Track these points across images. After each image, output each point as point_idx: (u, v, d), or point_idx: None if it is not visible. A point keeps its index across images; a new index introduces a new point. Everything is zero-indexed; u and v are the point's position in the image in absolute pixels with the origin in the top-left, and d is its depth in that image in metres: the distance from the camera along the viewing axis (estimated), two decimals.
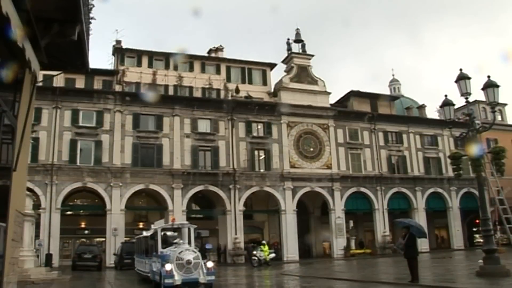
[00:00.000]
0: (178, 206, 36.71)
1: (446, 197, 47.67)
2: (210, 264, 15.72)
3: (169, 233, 18.43)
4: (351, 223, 44.30)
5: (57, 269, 27.68)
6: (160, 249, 16.87)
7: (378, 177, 44.86)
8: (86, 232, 41.09)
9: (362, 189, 44.11)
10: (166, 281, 14.69)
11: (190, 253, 15.28)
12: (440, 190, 47.44)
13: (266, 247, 33.97)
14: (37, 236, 29.81)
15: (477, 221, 41.45)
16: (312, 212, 47.29)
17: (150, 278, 18.07)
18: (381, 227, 44.16)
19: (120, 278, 24.57)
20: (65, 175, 35.25)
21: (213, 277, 15.51)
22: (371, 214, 44.89)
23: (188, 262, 14.92)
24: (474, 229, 50.94)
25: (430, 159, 48.51)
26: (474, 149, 16.07)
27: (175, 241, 16.55)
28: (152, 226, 20.60)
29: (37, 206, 31.71)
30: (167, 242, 17.39)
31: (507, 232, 16.15)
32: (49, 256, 31.94)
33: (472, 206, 44.72)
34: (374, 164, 45.31)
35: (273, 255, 34.41)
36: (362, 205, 44.87)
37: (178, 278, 14.77)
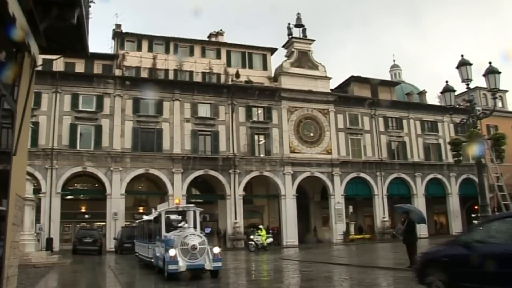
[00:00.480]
0: (178, 190, 36.78)
1: (446, 183, 47.77)
2: (216, 249, 14.97)
3: (173, 217, 17.57)
4: (351, 209, 44.47)
5: (57, 253, 27.90)
6: (163, 233, 16.15)
7: (378, 163, 44.92)
8: (86, 216, 41.24)
9: (362, 175, 44.21)
10: (170, 267, 13.93)
11: (195, 238, 14.58)
12: (439, 176, 47.53)
13: (264, 232, 34.04)
14: (37, 220, 29.96)
15: (476, 207, 41.54)
16: (312, 197, 47.44)
17: (153, 264, 17.14)
18: (381, 212, 44.31)
19: (120, 262, 24.71)
20: (65, 160, 35.31)
21: (219, 264, 14.77)
22: (370, 199, 45.03)
23: (193, 247, 14.22)
24: (473, 215, 51.06)
25: (430, 145, 48.52)
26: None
27: (180, 225, 15.80)
28: (154, 210, 20.08)
29: (37, 190, 31.83)
30: (171, 226, 16.67)
31: None
32: (49, 240, 32.11)
33: (471, 193, 44.83)
34: (374, 150, 45.35)
35: (270, 239, 34.49)
36: (362, 191, 45.01)
37: (182, 264, 14.04)
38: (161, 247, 15.80)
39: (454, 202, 47.84)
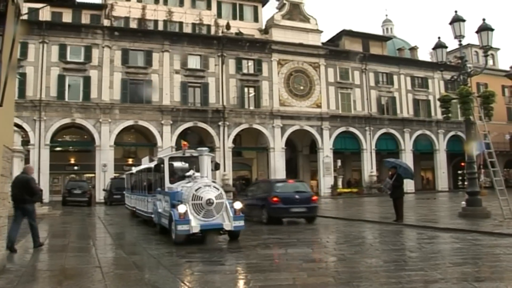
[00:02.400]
0: (167, 142, 36.74)
1: (434, 139, 48.19)
2: (238, 205, 12.03)
3: (178, 164, 14.54)
4: (339, 162, 44.80)
5: (47, 204, 27.99)
6: (167, 184, 13.77)
7: (367, 118, 45.08)
8: (75, 168, 41.32)
9: (351, 129, 44.41)
10: (180, 228, 11.12)
11: (211, 190, 11.55)
12: (428, 132, 47.89)
13: None
14: None
15: (463, 164, 42.09)
16: (301, 150, 47.75)
17: (155, 222, 14.63)
18: (369, 167, 44.78)
19: (109, 213, 24.90)
20: (54, 111, 35.03)
21: (241, 223, 11.86)
22: (359, 154, 45.44)
23: (209, 202, 11.28)
24: (459, 172, 51.76)
25: (420, 101, 48.64)
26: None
27: (188, 174, 12.79)
28: (151, 159, 18.36)
29: (26, 142, 31.63)
30: (175, 176, 14.12)
31: (490, 176, 16.42)
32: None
33: (458, 149, 45.31)
34: (364, 105, 45.41)
35: None
36: (351, 145, 45.32)
37: (195, 224, 11.20)
38: (164, 202, 13.53)
39: (441, 158, 48.42)
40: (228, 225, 11.57)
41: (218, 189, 11.77)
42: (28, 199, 10.45)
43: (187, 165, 14.27)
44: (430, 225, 14.57)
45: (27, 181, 10.43)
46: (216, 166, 15.81)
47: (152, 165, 16.61)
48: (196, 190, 11.47)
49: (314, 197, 17.46)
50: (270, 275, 7.66)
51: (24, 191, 10.31)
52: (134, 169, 21.90)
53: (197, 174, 12.37)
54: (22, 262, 8.97)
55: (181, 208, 11.21)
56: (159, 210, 13.74)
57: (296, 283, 6.87)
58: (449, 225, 14.35)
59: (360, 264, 8.58)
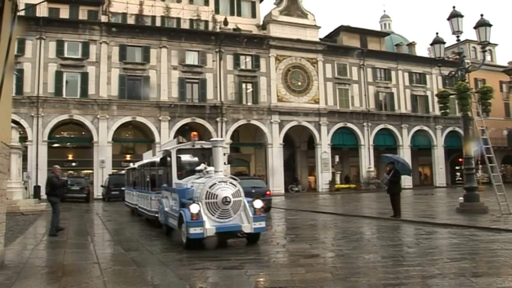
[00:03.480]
0: (165, 138, 36.64)
1: (432, 135, 48.21)
2: (258, 203, 10.42)
3: (186, 158, 13.08)
4: (337, 158, 44.83)
5: (45, 200, 27.85)
6: (175, 180, 12.09)
7: (365, 113, 45.07)
8: (73, 164, 41.21)
9: (349, 125, 44.40)
10: (193, 231, 9.62)
11: (227, 187, 10.12)
12: (426, 128, 47.92)
13: None
14: (24, 168, 29.88)
15: (461, 159, 42.17)
16: (299, 146, 47.75)
17: (160, 221, 13.22)
18: (366, 163, 44.80)
19: (107, 209, 24.88)
20: (51, 108, 34.97)
21: (263, 224, 10.33)
22: (357, 149, 45.47)
23: (226, 200, 9.85)
24: (457, 168, 51.83)
25: (418, 97, 48.66)
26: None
27: (199, 168, 11.38)
28: (162, 148, 16.58)
29: (23, 138, 31.57)
30: (183, 170, 12.73)
31: (488, 171, 16.45)
32: (37, 188, 32.06)
33: (456, 145, 45.48)
34: (362, 100, 45.42)
35: None
36: (348, 141, 45.32)
37: (210, 226, 9.77)
38: (171, 199, 12.08)
39: (439, 154, 48.46)
40: (247, 227, 10.09)
41: (235, 186, 10.28)
42: (50, 193, 13.08)
43: (196, 158, 13.09)
44: (427, 221, 14.58)
45: (49, 179, 13.21)
46: (229, 160, 14.12)
47: (157, 158, 14.97)
48: (210, 186, 10.02)
49: (268, 192, 21.72)
50: (268, 270, 7.70)
51: (48, 187, 13.07)
52: (136, 164, 20.48)
53: (210, 168, 10.85)
54: (20, 258, 8.97)
55: (194, 208, 9.73)
56: (166, 209, 12.25)
57: (294, 278, 6.89)
58: (447, 220, 14.38)
59: (358, 259, 8.60)
